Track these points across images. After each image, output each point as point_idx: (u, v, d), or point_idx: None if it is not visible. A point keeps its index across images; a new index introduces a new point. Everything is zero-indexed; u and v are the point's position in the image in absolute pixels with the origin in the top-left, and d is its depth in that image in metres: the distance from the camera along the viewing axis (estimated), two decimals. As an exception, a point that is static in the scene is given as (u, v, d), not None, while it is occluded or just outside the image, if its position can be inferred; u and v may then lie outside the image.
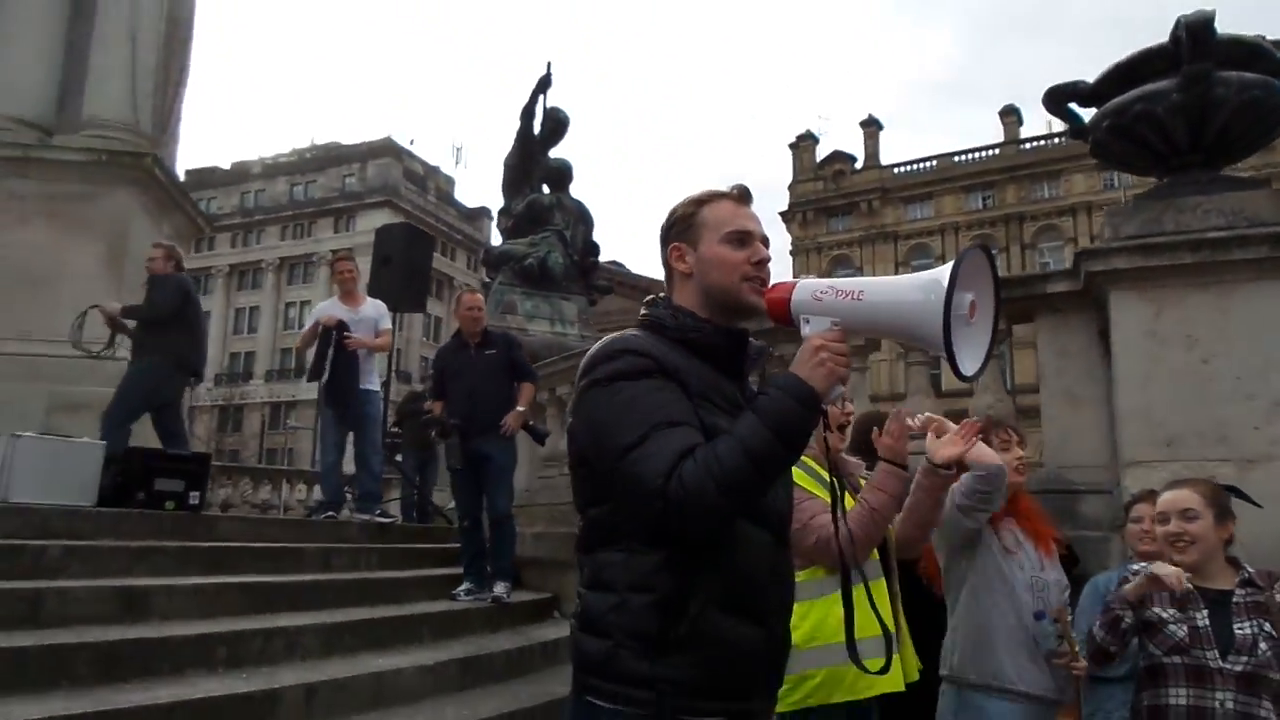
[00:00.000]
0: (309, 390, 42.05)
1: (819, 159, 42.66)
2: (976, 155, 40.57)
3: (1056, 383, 4.65)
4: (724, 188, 1.81)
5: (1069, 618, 2.77)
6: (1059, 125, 5.20)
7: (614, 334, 1.77)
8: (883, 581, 2.60)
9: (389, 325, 6.61)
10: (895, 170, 41.59)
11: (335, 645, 3.95)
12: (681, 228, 1.79)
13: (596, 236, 9.34)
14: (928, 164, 41.21)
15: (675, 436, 1.56)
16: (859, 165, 41.83)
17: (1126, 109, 4.54)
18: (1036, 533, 2.91)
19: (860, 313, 1.59)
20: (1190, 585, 2.58)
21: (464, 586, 5.30)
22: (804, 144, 42.99)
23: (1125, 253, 4.18)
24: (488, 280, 9.14)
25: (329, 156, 55.14)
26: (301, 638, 3.79)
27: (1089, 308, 4.51)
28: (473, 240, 54.17)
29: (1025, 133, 39.60)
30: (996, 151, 40.07)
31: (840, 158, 42.29)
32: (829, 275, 5.27)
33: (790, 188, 42.79)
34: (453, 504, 8.15)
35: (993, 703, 2.69)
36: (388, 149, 53.55)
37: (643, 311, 1.80)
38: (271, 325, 52.13)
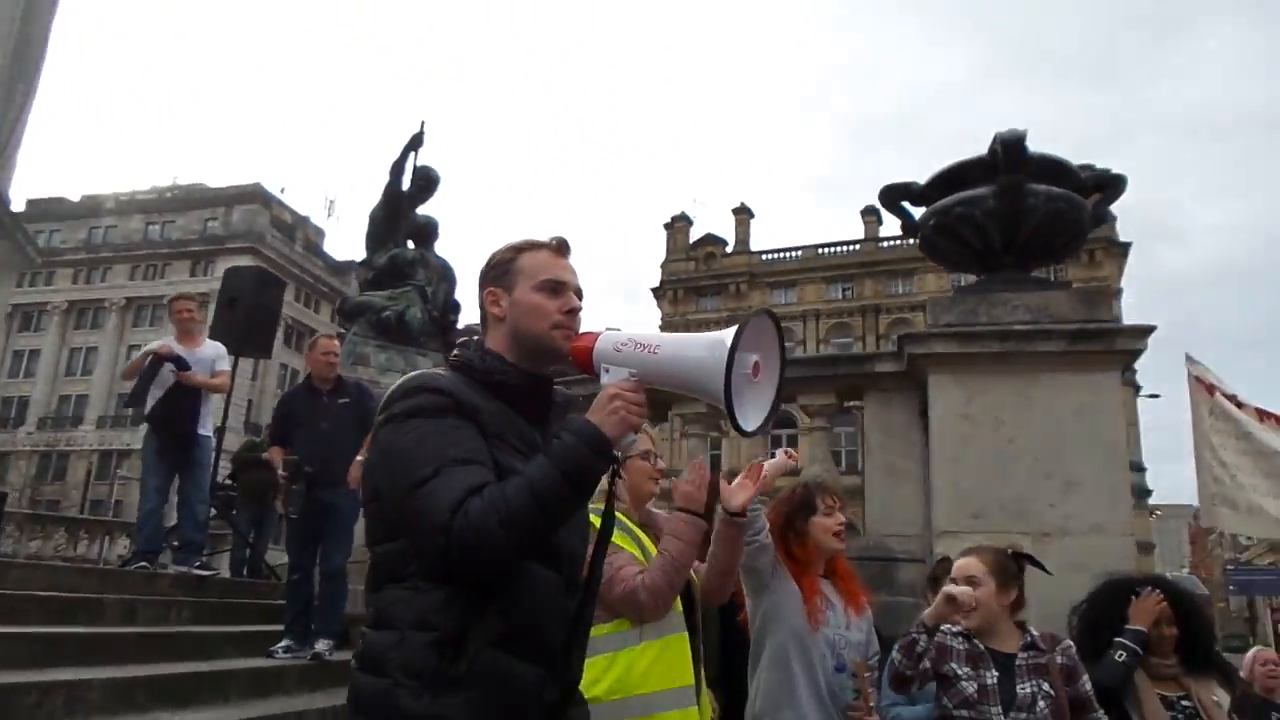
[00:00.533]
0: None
1: (692, 240, 44.08)
2: (839, 249, 42.90)
3: (880, 457, 4.92)
4: (544, 238, 1.87)
5: (868, 674, 2.89)
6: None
7: (418, 371, 1.79)
8: (684, 636, 2.64)
9: (227, 367, 6.29)
10: (763, 256, 43.41)
11: (125, 702, 3.64)
12: (498, 272, 1.83)
13: (459, 295, 9.36)
14: (794, 253, 43.20)
15: (465, 474, 1.57)
16: (729, 249, 43.45)
17: (949, 210, 4.96)
18: (849, 593, 3.04)
19: (654, 365, 1.66)
20: (975, 632, 2.77)
21: (283, 643, 5.00)
22: (678, 224, 44.40)
23: (943, 339, 4.52)
24: (342, 331, 8.90)
25: (192, 198, 52.71)
26: (86, 693, 3.47)
27: (911, 388, 4.83)
28: (339, 293, 52.61)
29: (884, 232, 42.20)
30: (857, 247, 42.47)
31: (712, 240, 43.85)
32: None
33: (663, 265, 43.93)
34: (285, 561, 7.77)
35: None
36: (255, 194, 51.72)
37: (454, 353, 1.83)
38: (110, 368, 48.54)
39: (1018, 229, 4.89)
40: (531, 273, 1.80)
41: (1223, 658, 3.65)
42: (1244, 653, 6.07)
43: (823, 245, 43.31)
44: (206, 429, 6.28)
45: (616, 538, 2.59)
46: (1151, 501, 36.00)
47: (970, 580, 2.95)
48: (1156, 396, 32.99)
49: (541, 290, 1.78)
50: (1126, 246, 36.87)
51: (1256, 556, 43.34)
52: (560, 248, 1.85)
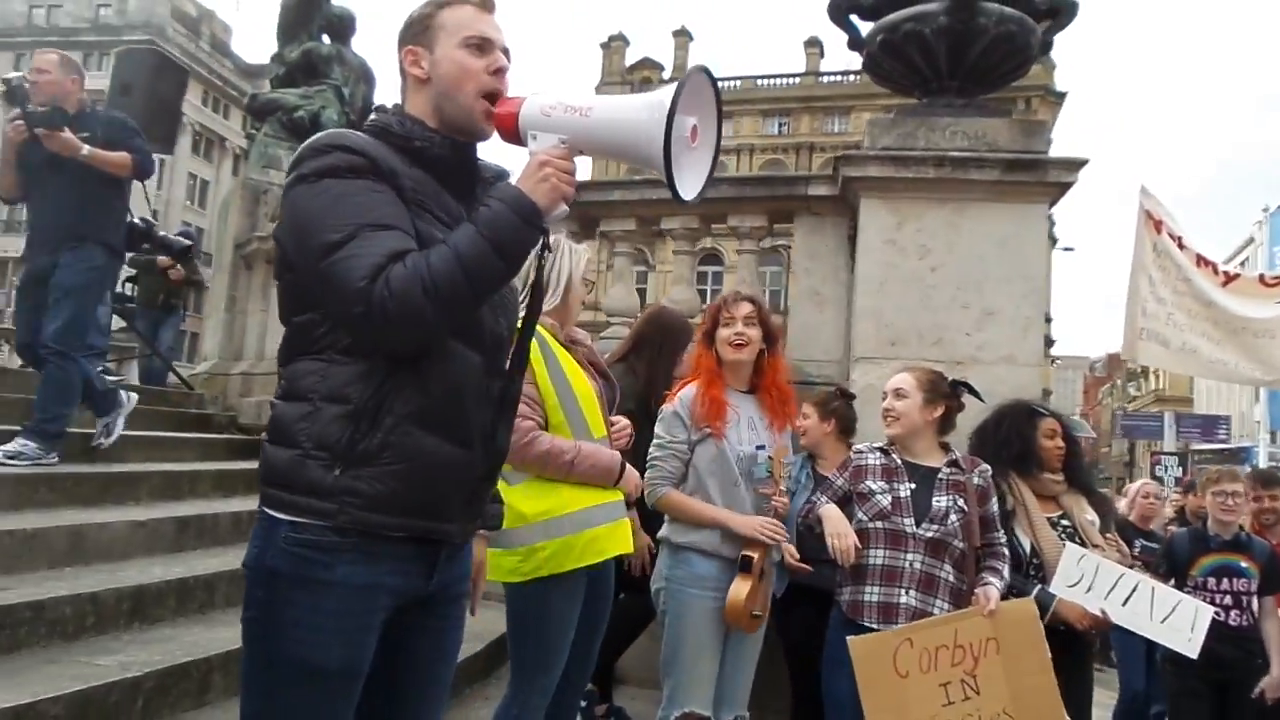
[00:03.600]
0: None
1: (628, 63, 42.32)
2: (778, 82, 41.82)
3: (805, 282, 4.93)
4: None
5: (786, 460, 3.00)
6: (856, 64, 5.39)
7: (330, 130, 1.63)
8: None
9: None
10: (701, 85, 42.14)
11: (28, 500, 3.56)
12: (418, 29, 1.66)
13: (379, 99, 8.78)
14: (732, 83, 41.97)
15: (385, 239, 1.46)
16: (666, 75, 41.90)
17: (898, 26, 4.75)
18: (774, 411, 3.09)
19: (586, 130, 1.54)
20: (849, 562, 2.91)
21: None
22: (615, 44, 42.46)
23: (879, 161, 4.43)
24: (252, 131, 8.32)
25: (82, -20, 47.76)
26: (-17, 487, 3.38)
27: (843, 212, 4.78)
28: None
29: (825, 66, 41.19)
30: (796, 81, 41.47)
31: (649, 64, 42.17)
32: (631, 186, 5.20)
33: (597, 89, 42.24)
34: (198, 370, 7.58)
35: (696, 559, 2.89)
36: (154, -20, 47.11)
37: (371, 117, 1.68)
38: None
39: (966, 50, 4.72)
40: (455, 29, 1.63)
41: (1093, 482, 3.96)
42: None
43: (762, 76, 42.18)
44: None
45: (535, 357, 2.59)
46: (1053, 352, 38.00)
47: (898, 391, 3.11)
48: (1071, 250, 34.17)
49: (467, 47, 1.62)
50: (1063, 96, 36.92)
51: (1144, 406, 46.60)
52: (484, 3, 1.67)
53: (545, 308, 2.75)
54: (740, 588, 2.80)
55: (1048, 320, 34.93)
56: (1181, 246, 4.72)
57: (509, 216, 1.49)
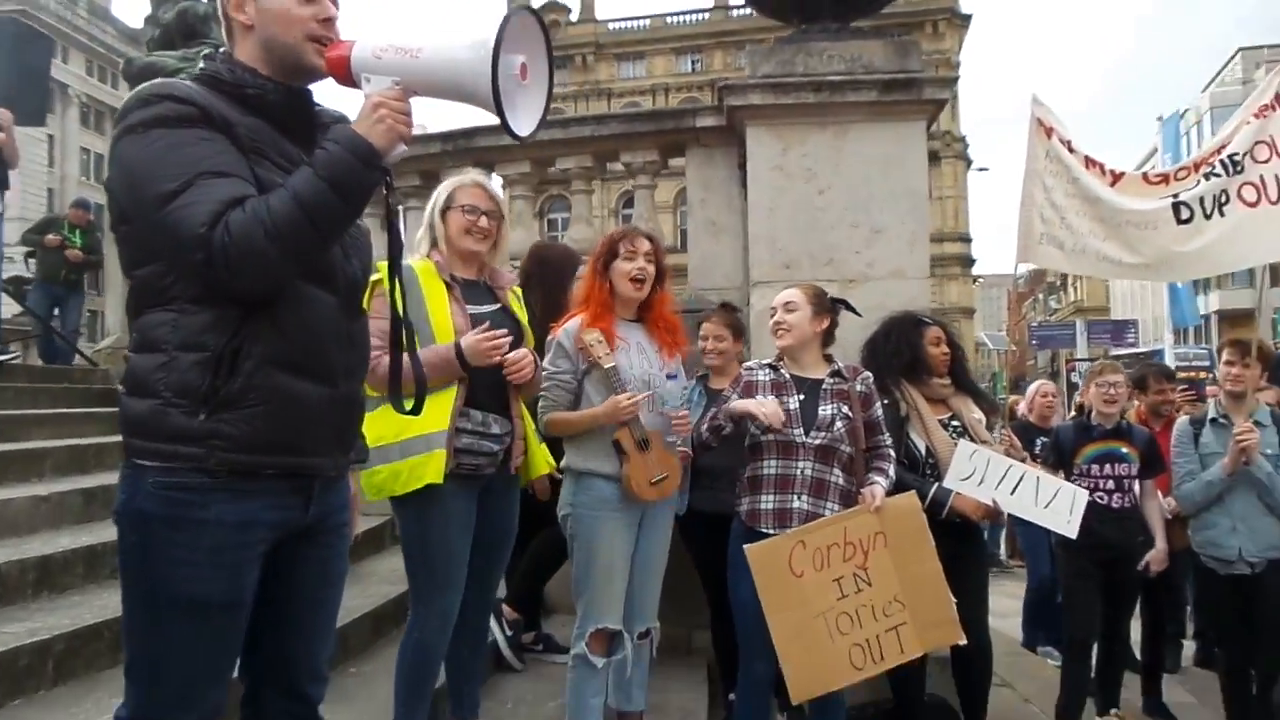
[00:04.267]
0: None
1: (535, 4, 41.32)
2: (688, 18, 41.31)
3: (700, 213, 5.03)
4: None
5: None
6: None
7: (155, 80, 1.64)
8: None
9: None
10: (610, 25, 41.37)
11: (-74, 482, 3.50)
12: None
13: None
14: (641, 22, 41.37)
15: (220, 186, 1.48)
16: (574, 18, 41.08)
17: (775, -50, 4.80)
18: (664, 340, 3.18)
19: (418, 71, 1.58)
20: (780, 423, 3.02)
21: None
22: (520, -12, 41.34)
23: (760, 89, 4.51)
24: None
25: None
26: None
27: (732, 141, 4.87)
28: (141, 66, 46.79)
29: (735, 0, 40.82)
30: (706, 16, 41.01)
31: (556, 8, 41.19)
32: (543, 131, 5.15)
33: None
34: (100, 346, 7.39)
35: (597, 483, 2.99)
36: (21, -57, 44.05)
37: (200, 66, 1.69)
38: None
39: (840, -23, 4.81)
40: None
41: (975, 382, 4.18)
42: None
43: (672, 14, 41.58)
44: None
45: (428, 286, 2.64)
46: (975, 271, 38.97)
47: (788, 305, 3.24)
48: (985, 170, 34.86)
49: None
50: (968, 19, 37.30)
51: (1065, 318, 48.26)
52: None
53: (422, 249, 2.80)
54: (625, 469, 2.92)
55: (967, 240, 35.82)
56: (1071, 150, 4.89)
57: (345, 157, 1.52)
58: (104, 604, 2.90)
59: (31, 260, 8.02)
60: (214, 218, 1.44)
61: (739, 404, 3.12)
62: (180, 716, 1.58)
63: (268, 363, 1.56)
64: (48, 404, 5.33)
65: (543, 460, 2.98)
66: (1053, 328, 31.89)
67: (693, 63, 40.79)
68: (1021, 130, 4.87)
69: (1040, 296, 67.38)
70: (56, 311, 7.96)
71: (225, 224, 1.45)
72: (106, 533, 3.48)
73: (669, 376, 3.10)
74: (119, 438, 4.49)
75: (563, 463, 3.10)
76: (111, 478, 4.18)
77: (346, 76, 1.62)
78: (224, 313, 1.53)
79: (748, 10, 39.37)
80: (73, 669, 2.60)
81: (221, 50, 1.72)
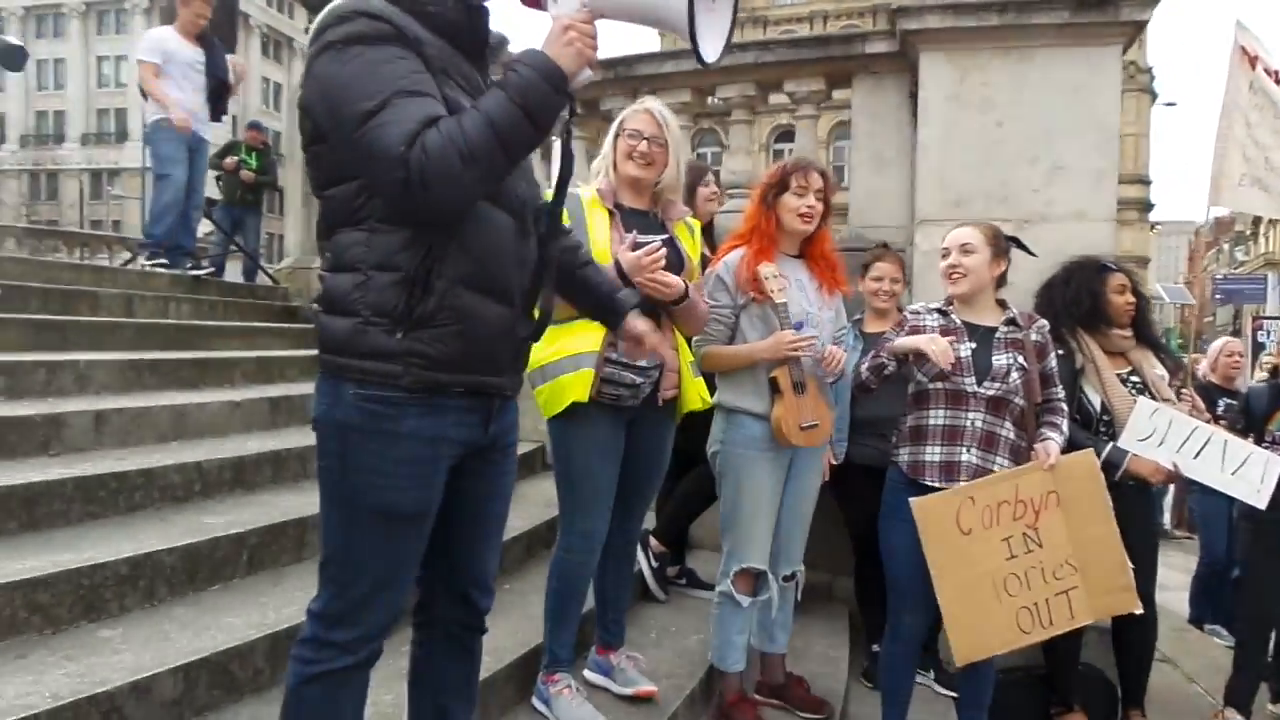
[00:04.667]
0: (132, 156, 38.28)
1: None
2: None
3: (866, 146, 4.80)
4: None
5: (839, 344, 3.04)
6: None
7: None
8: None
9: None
10: (770, -51, 39.92)
11: (134, 383, 3.84)
12: None
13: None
14: (801, -56, 39.68)
15: (418, 105, 1.50)
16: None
17: None
18: (824, 276, 3.08)
19: None
20: (949, 363, 2.87)
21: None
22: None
23: (938, 11, 4.22)
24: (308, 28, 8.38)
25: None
26: (93, 372, 3.66)
27: (903, 69, 4.60)
28: (314, -3, 48.78)
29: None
30: (873, -65, 38.82)
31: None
32: (683, 57, 5.07)
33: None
34: (281, 266, 7.90)
35: (747, 421, 2.96)
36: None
37: None
38: (83, 82, 46.37)
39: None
40: None
41: (1158, 336, 3.85)
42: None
43: (835, -66, 39.62)
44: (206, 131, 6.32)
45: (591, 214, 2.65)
46: (1153, 217, 35.89)
47: (965, 246, 3.04)
48: (1173, 105, 31.75)
49: None
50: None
51: (1254, 270, 43.99)
52: None
53: (597, 177, 2.80)
54: (777, 409, 2.86)
55: (1146, 183, 32.92)
56: (1278, 81, 4.37)
57: (538, 81, 1.51)
58: (289, 504, 3.14)
59: (219, 182, 8.62)
60: (411, 138, 1.46)
61: (907, 340, 2.96)
62: (366, 617, 1.68)
63: (458, 283, 1.59)
64: (236, 317, 5.76)
65: (696, 395, 2.97)
66: (1240, 280, 29.16)
67: (855, -13, 38.85)
68: (1220, 61, 4.36)
69: (1225, 246, 61.51)
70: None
71: (422, 144, 1.46)
72: (291, 439, 3.77)
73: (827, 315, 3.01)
74: (300, 351, 4.84)
75: (714, 398, 3.09)
76: (292, 388, 4.52)
77: None
78: (414, 233, 1.56)
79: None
80: (262, 560, 2.84)
81: None
